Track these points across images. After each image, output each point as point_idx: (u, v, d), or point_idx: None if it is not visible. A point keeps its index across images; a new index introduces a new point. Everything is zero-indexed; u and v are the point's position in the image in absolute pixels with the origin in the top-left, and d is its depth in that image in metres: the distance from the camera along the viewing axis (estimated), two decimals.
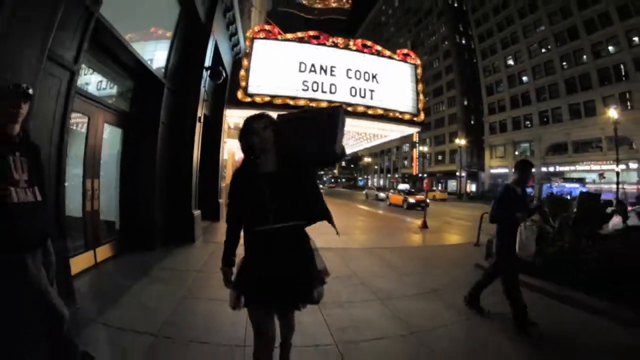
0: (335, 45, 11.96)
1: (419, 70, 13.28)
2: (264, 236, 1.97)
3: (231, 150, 14.22)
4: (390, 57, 12.86)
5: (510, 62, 49.80)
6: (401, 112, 12.29)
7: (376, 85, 11.97)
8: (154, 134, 5.96)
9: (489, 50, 53.26)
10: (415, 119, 12.65)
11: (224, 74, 7.99)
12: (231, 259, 2.09)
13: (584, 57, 39.57)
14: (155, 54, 6.17)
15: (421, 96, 12.96)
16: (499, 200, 3.91)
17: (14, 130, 2.02)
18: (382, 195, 30.06)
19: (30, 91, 2.07)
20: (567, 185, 32.41)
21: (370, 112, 11.57)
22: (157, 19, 6.13)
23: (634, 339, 3.44)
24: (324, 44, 11.90)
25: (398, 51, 13.30)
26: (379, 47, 12.76)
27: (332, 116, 2.03)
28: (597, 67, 37.99)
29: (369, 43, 12.63)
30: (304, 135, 2.05)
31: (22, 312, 1.98)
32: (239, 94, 10.61)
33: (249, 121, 2.09)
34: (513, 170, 3.96)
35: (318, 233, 2.33)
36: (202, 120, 7.45)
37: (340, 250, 7.12)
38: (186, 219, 6.83)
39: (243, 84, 10.73)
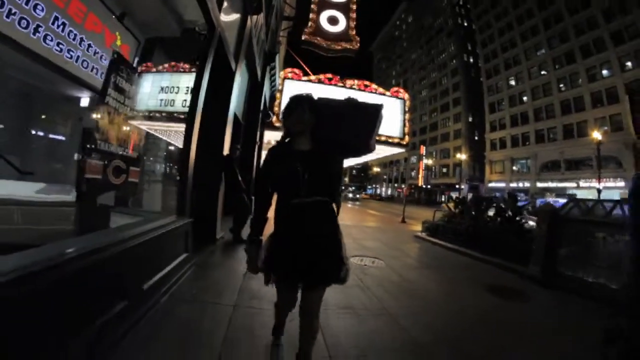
0: (344, 86, 16.68)
1: (407, 104, 17.91)
2: (298, 209, 2.10)
3: None
4: (383, 94, 17.55)
5: (512, 82, 53.92)
6: (391, 137, 16.88)
7: None
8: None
9: (493, 70, 57.42)
10: (401, 141, 17.28)
11: (271, 115, 12.86)
12: (258, 239, 2.23)
13: (579, 80, 43.13)
14: (237, 105, 10.95)
15: (407, 124, 17.66)
16: (634, 195, 2.68)
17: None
18: None
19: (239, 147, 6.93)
20: (560, 200, 36.40)
21: None
22: (240, 85, 10.89)
23: (473, 261, 8.16)
24: (335, 85, 16.61)
25: (392, 89, 18.04)
26: (375, 86, 17.45)
27: (374, 112, 2.20)
28: (591, 90, 41.55)
29: (368, 83, 17.32)
30: (344, 124, 2.19)
31: (245, 205, 6.90)
32: (274, 120, 15.34)
33: (292, 104, 2.21)
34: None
35: None
36: (260, 141, 12.29)
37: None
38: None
39: (277, 113, 15.43)
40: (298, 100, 2.20)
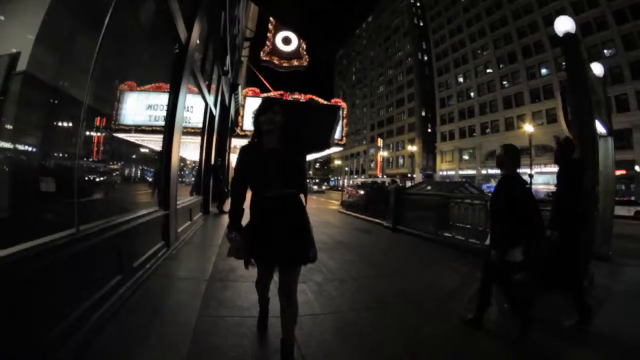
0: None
1: (345, 111, 23.56)
2: (269, 201, 2.44)
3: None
4: (327, 104, 23.14)
5: (461, 79, 61.20)
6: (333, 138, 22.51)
7: None
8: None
9: (444, 68, 64.74)
10: (340, 142, 22.97)
11: (236, 129, 18.29)
12: (238, 226, 2.57)
13: (520, 78, 50.60)
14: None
15: (345, 127, 23.36)
16: None
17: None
18: None
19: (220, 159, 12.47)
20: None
21: None
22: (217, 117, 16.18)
23: (359, 220, 13.96)
24: (286, 99, 22.02)
25: (332, 100, 23.69)
26: (319, 99, 22.99)
27: (334, 112, 3.64)
28: (530, 87, 49.02)
29: (314, 97, 22.82)
30: (308, 123, 2.63)
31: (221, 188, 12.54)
32: (238, 130, 20.68)
33: (265, 107, 2.49)
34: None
35: None
36: (228, 149, 17.66)
37: None
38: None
39: (240, 124, 20.79)
40: (270, 103, 2.51)
